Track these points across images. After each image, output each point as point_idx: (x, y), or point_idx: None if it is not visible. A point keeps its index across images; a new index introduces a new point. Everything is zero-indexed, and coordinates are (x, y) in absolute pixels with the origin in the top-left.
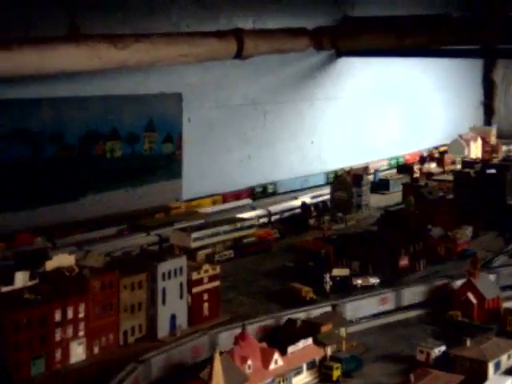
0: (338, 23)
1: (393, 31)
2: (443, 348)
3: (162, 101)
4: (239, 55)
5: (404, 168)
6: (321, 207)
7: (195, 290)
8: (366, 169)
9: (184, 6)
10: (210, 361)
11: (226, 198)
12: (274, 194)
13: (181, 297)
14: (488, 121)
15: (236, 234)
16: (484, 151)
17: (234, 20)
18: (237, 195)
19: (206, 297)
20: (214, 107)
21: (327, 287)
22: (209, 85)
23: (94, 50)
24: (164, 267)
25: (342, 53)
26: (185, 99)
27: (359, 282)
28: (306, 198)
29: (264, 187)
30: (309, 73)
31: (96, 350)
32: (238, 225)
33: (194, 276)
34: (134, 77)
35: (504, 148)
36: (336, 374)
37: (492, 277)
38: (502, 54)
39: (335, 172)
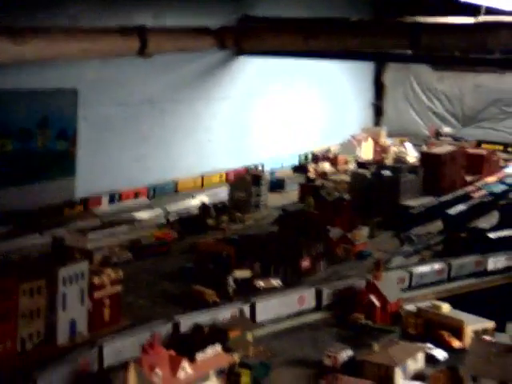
0: (238, 22)
1: (297, 33)
2: (350, 352)
3: (57, 96)
4: (142, 53)
5: (299, 167)
6: (219, 207)
7: (96, 294)
8: (262, 168)
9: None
10: (122, 369)
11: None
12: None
13: (81, 302)
14: (378, 122)
15: (132, 235)
16: (375, 151)
17: (134, 15)
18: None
19: (107, 302)
20: (111, 105)
21: (230, 290)
22: (106, 82)
23: None
24: (65, 272)
25: (241, 52)
26: (81, 96)
27: (261, 284)
28: (205, 198)
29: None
30: (207, 72)
31: None
32: (135, 225)
33: (96, 280)
34: (28, 71)
35: (394, 149)
36: (245, 380)
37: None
38: (391, 57)
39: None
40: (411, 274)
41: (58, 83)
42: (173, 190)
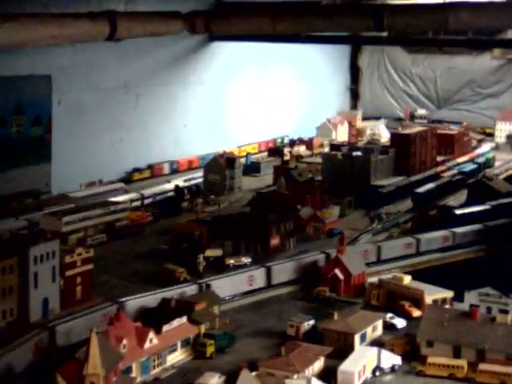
0: (211, 8)
1: (266, 16)
2: (312, 322)
3: (30, 83)
4: (112, 37)
5: (275, 151)
6: (194, 190)
7: (68, 273)
8: (238, 151)
9: None
10: (86, 341)
11: None
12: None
13: (53, 280)
14: (354, 105)
15: (108, 218)
16: (350, 134)
17: (106, 2)
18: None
19: (78, 280)
20: (85, 90)
21: (200, 267)
22: (80, 67)
23: None
24: (36, 251)
25: (214, 37)
26: (55, 81)
27: (232, 261)
28: (180, 181)
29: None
30: (181, 56)
31: None
32: (111, 208)
33: (67, 259)
34: (0, 58)
35: (368, 131)
36: (209, 350)
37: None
38: (367, 41)
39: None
40: (379, 248)
41: (31, 70)
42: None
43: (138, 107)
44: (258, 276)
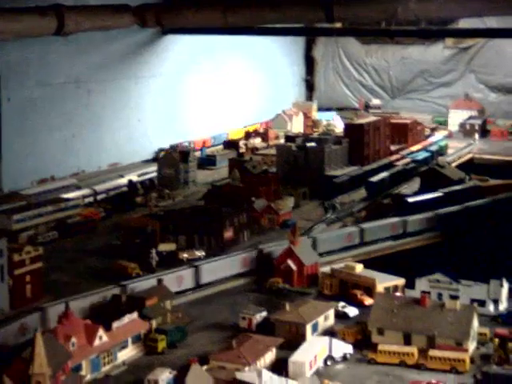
0: (162, 1)
1: (217, 9)
2: (264, 314)
3: None
4: (60, 32)
5: (230, 144)
6: (147, 184)
7: (17, 272)
8: (192, 145)
9: None
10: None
11: None
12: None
13: (1, 279)
14: (309, 96)
15: (59, 215)
16: (306, 126)
17: None
18: None
19: (28, 279)
20: (35, 86)
21: (153, 262)
22: (29, 63)
23: None
24: None
25: (167, 30)
26: (3, 78)
27: (185, 255)
28: (133, 176)
29: None
30: (134, 50)
31: None
32: (62, 205)
33: (16, 258)
34: None
35: (324, 122)
36: (161, 345)
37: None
38: (319, 32)
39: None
40: (315, 240)
41: None
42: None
43: (90, 103)
44: (187, 275)
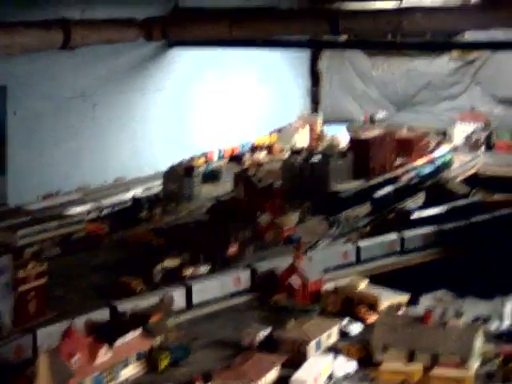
0: (168, 14)
1: (223, 22)
2: (267, 331)
3: None
4: (66, 46)
5: (235, 158)
6: (152, 199)
7: (21, 288)
8: (198, 160)
9: None
10: (35, 358)
11: None
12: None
13: (6, 296)
14: (315, 109)
15: (64, 230)
16: (311, 139)
17: (62, 10)
18: None
19: (32, 295)
20: (42, 99)
21: (157, 278)
22: (36, 76)
23: None
24: None
25: (173, 43)
26: (10, 91)
27: (189, 271)
28: (138, 191)
29: None
30: (140, 64)
31: None
32: (66, 220)
33: (20, 274)
34: None
35: (329, 136)
36: (163, 363)
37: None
38: (325, 45)
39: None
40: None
41: None
42: None
43: (96, 116)
44: (178, 296)
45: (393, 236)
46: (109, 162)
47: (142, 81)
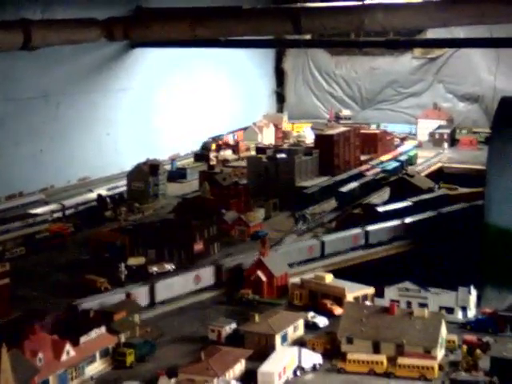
0: (131, 14)
1: (185, 21)
2: (234, 325)
3: None
4: (26, 46)
5: (201, 156)
6: (117, 198)
7: None
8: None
9: None
10: None
11: None
12: None
13: None
14: (280, 108)
15: (28, 230)
16: (276, 137)
17: (22, 11)
18: None
19: None
20: (3, 100)
21: (122, 276)
22: None
23: None
24: None
25: (136, 44)
26: None
27: (155, 269)
28: (102, 190)
29: None
30: (102, 64)
31: None
32: (30, 220)
33: None
34: None
35: (294, 134)
36: (129, 359)
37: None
38: (289, 43)
39: None
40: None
41: None
42: None
43: (59, 116)
44: (143, 293)
45: (357, 230)
46: (73, 162)
47: (106, 81)
